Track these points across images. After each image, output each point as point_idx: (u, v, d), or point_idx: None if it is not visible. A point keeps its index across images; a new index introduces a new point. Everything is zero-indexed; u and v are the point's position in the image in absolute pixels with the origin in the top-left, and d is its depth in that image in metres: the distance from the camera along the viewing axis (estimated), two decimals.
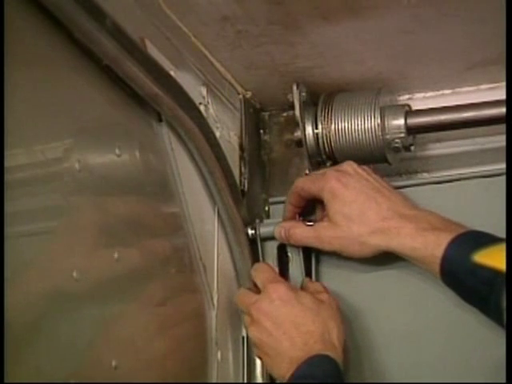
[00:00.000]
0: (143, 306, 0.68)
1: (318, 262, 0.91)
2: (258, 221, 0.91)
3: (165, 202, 0.76)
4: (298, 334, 0.78)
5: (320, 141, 0.90)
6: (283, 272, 0.91)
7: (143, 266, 0.69)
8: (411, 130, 0.87)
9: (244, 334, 0.88)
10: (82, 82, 0.61)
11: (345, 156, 0.88)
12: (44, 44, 0.56)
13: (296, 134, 0.90)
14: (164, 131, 0.74)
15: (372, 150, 0.88)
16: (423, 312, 0.88)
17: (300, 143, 0.90)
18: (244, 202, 0.90)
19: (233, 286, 0.88)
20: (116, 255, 0.63)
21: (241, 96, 0.94)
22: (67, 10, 0.55)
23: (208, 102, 0.85)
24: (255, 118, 0.98)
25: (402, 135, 0.87)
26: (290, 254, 0.92)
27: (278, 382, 0.86)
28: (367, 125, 0.87)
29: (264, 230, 0.90)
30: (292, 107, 0.90)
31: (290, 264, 0.92)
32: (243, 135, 0.93)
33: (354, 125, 0.88)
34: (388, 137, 0.87)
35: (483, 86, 0.92)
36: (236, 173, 0.90)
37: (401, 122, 0.87)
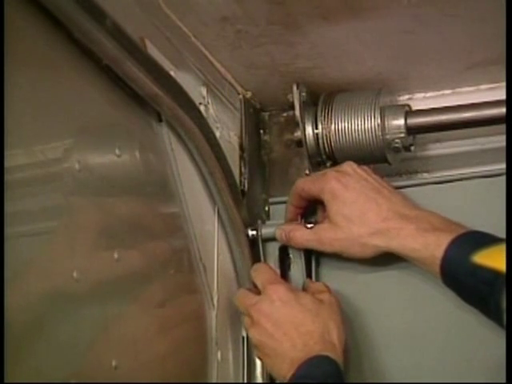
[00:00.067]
0: (143, 306, 0.68)
1: (318, 262, 0.91)
2: (259, 222, 0.90)
3: (165, 202, 0.76)
4: (298, 334, 0.78)
5: (320, 141, 0.90)
6: (285, 273, 0.91)
7: (143, 266, 0.69)
8: (411, 130, 0.87)
9: (244, 334, 0.87)
10: (81, 81, 0.61)
11: (345, 156, 0.88)
12: (44, 44, 0.56)
13: (296, 134, 0.90)
14: (164, 131, 0.74)
15: (372, 150, 0.87)
16: (423, 312, 0.88)
17: (300, 143, 0.90)
18: (244, 202, 0.89)
19: (233, 286, 0.88)
20: (116, 255, 0.63)
21: (241, 96, 0.93)
22: (67, 10, 0.55)
23: (208, 102, 0.84)
24: (255, 118, 0.98)
25: (402, 135, 0.87)
26: (291, 255, 0.92)
27: (278, 382, 0.86)
28: (367, 125, 0.87)
29: (265, 231, 0.89)
30: (292, 107, 0.90)
31: (292, 265, 0.92)
32: (243, 135, 0.93)
33: (354, 125, 0.88)
34: (388, 137, 0.87)
35: (483, 86, 0.92)
36: (236, 173, 0.90)
37: (401, 122, 0.87)
